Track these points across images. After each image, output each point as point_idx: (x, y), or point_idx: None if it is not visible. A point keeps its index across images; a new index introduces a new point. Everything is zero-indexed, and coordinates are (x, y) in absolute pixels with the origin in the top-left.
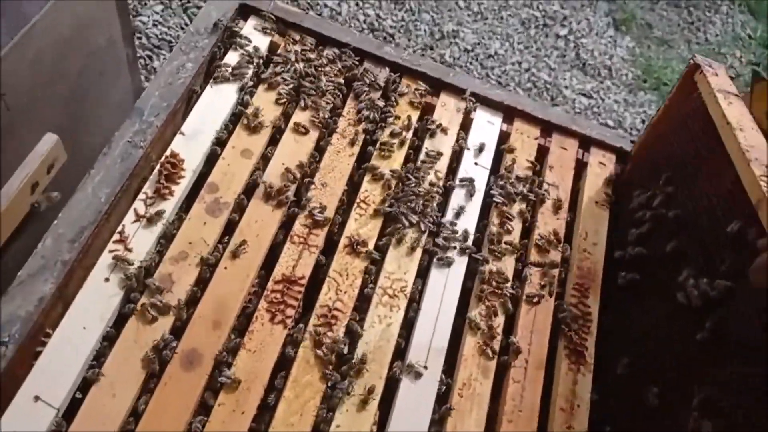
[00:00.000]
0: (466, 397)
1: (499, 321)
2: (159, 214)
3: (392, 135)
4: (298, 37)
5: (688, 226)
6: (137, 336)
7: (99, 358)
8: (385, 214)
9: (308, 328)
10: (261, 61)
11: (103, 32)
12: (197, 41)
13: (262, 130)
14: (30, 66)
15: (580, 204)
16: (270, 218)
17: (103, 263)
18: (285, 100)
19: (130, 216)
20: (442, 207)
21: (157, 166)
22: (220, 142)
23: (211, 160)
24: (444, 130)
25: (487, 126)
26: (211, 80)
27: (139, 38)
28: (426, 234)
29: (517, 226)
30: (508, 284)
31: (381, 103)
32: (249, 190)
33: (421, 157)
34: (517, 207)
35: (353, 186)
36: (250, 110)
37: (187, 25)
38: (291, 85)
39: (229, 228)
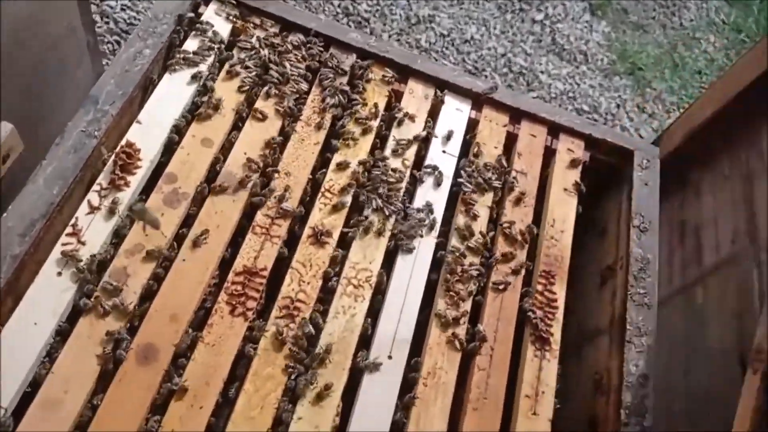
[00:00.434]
0: (430, 386)
1: (465, 310)
2: (114, 204)
3: (358, 123)
4: (261, 23)
5: None
6: (91, 331)
7: (51, 354)
8: (351, 204)
9: (270, 320)
10: (222, 47)
11: (62, 19)
12: (156, 27)
13: (223, 118)
14: None
15: (548, 191)
16: (231, 209)
17: (56, 257)
18: (248, 87)
19: (83, 208)
20: (410, 195)
21: (113, 157)
22: (178, 131)
23: (169, 149)
24: (411, 118)
25: (455, 113)
26: (170, 67)
27: (107, 23)
28: (392, 222)
29: (484, 214)
30: (474, 270)
31: (347, 91)
32: (209, 180)
33: (388, 145)
34: (485, 195)
35: (318, 175)
36: (210, 98)
37: None
38: (254, 72)
39: (189, 219)
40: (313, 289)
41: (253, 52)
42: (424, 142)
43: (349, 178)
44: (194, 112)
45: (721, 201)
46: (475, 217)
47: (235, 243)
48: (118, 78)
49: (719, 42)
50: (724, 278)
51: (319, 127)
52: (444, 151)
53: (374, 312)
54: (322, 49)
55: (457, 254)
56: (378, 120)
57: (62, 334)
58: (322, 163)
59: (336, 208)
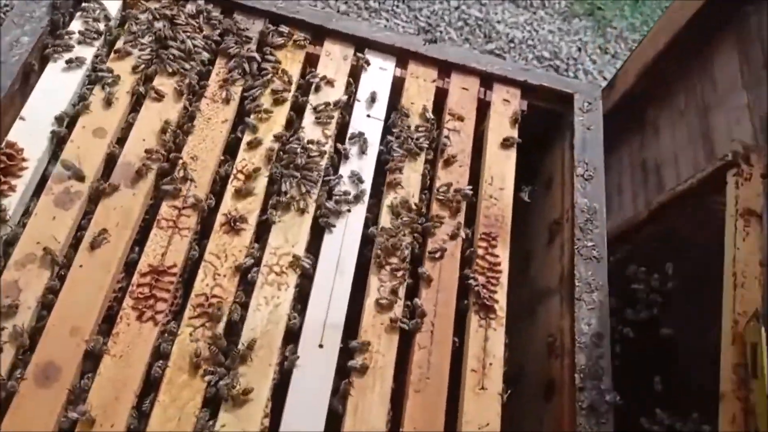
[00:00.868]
0: (367, 372)
1: (401, 285)
2: (1, 212)
3: (271, 94)
4: None
5: None
6: None
7: None
8: (267, 184)
9: (183, 321)
10: (112, 24)
11: None
12: (33, 11)
13: (116, 103)
14: None
15: (484, 147)
16: (131, 203)
17: None
18: (143, 66)
19: None
20: (334, 168)
21: None
22: (67, 124)
23: (58, 145)
24: (330, 83)
25: (378, 73)
26: (53, 53)
27: (8, 9)
28: (314, 199)
29: (415, 180)
30: (407, 242)
31: (255, 59)
32: (105, 174)
33: (306, 115)
34: (416, 159)
35: (229, 156)
36: (101, 83)
37: None
38: (149, 49)
39: (85, 220)
40: (230, 283)
41: (146, 27)
42: (345, 108)
43: (263, 156)
44: (84, 101)
45: (679, 137)
46: (406, 186)
47: (143, 242)
48: None
49: None
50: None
51: (226, 102)
52: (369, 116)
53: (303, 299)
54: (222, 15)
55: (389, 227)
56: (293, 89)
57: None
58: (233, 142)
59: (251, 191)
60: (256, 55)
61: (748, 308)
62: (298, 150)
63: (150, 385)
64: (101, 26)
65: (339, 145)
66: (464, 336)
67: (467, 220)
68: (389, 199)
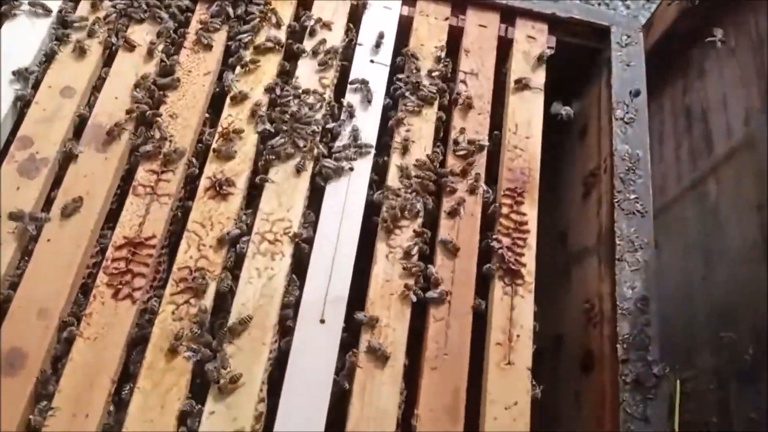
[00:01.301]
0: (377, 349)
1: (413, 250)
2: None
3: (260, 42)
4: None
5: None
6: None
7: None
8: (258, 142)
9: (165, 298)
10: None
11: None
12: None
13: (86, 58)
14: None
15: (507, 91)
16: (104, 169)
17: None
18: (115, 15)
19: None
20: (333, 121)
21: None
22: (33, 84)
23: (21, 108)
24: (327, 26)
25: (383, 12)
26: (11, 11)
27: None
28: (312, 157)
29: (428, 132)
30: (419, 202)
31: (241, 2)
32: (74, 137)
33: (301, 63)
34: (429, 108)
35: (214, 113)
36: (68, 37)
37: None
38: None
39: (53, 189)
40: (217, 254)
41: None
42: (346, 53)
43: (252, 111)
44: (50, 58)
45: (730, 78)
46: (416, 139)
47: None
48: None
49: None
50: (739, 166)
51: (208, 51)
52: (372, 61)
53: (301, 270)
54: None
55: (398, 186)
56: (284, 34)
57: None
58: (218, 97)
59: (239, 150)
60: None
61: None
62: (292, 102)
63: (128, 371)
64: None
65: (340, 96)
66: (487, 305)
67: (490, 176)
68: (397, 154)
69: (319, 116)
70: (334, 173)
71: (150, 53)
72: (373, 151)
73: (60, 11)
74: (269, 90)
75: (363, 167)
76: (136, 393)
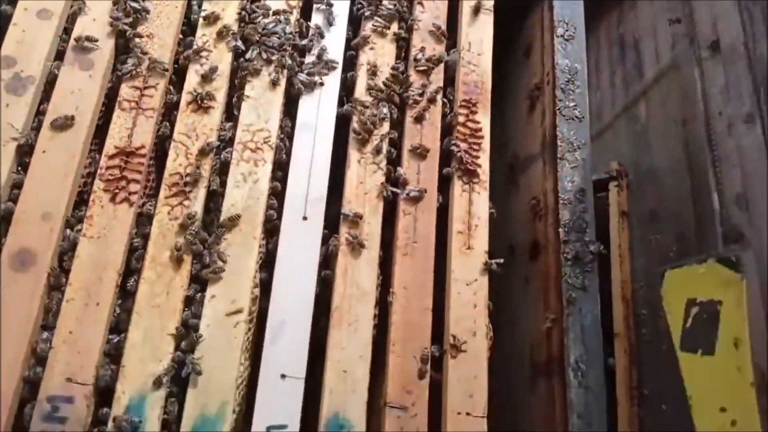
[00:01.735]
0: (354, 240)
1: (381, 152)
2: None
3: None
4: None
5: None
6: None
7: None
8: (233, 59)
9: (159, 200)
10: None
11: None
12: None
13: None
14: None
15: (460, 13)
16: (89, 85)
17: None
18: None
19: None
20: (302, 37)
21: None
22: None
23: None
24: None
25: None
26: None
27: None
28: (285, 71)
29: (390, 50)
30: (386, 109)
31: None
32: (57, 55)
33: None
34: (389, 27)
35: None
36: None
37: None
38: None
39: (42, 105)
40: (204, 161)
41: None
42: None
43: (223, 31)
44: None
45: (659, 7)
46: (380, 55)
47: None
48: None
49: None
50: (666, 86)
51: None
52: None
53: (283, 174)
54: None
55: (366, 99)
56: None
57: None
58: (193, 17)
59: (215, 65)
60: None
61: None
62: (264, 20)
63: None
64: None
65: (303, 21)
66: (449, 201)
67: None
68: (363, 69)
69: (288, 31)
70: (307, 87)
71: None
72: (339, 66)
73: None
74: (239, 10)
75: (332, 80)
76: (141, 283)
